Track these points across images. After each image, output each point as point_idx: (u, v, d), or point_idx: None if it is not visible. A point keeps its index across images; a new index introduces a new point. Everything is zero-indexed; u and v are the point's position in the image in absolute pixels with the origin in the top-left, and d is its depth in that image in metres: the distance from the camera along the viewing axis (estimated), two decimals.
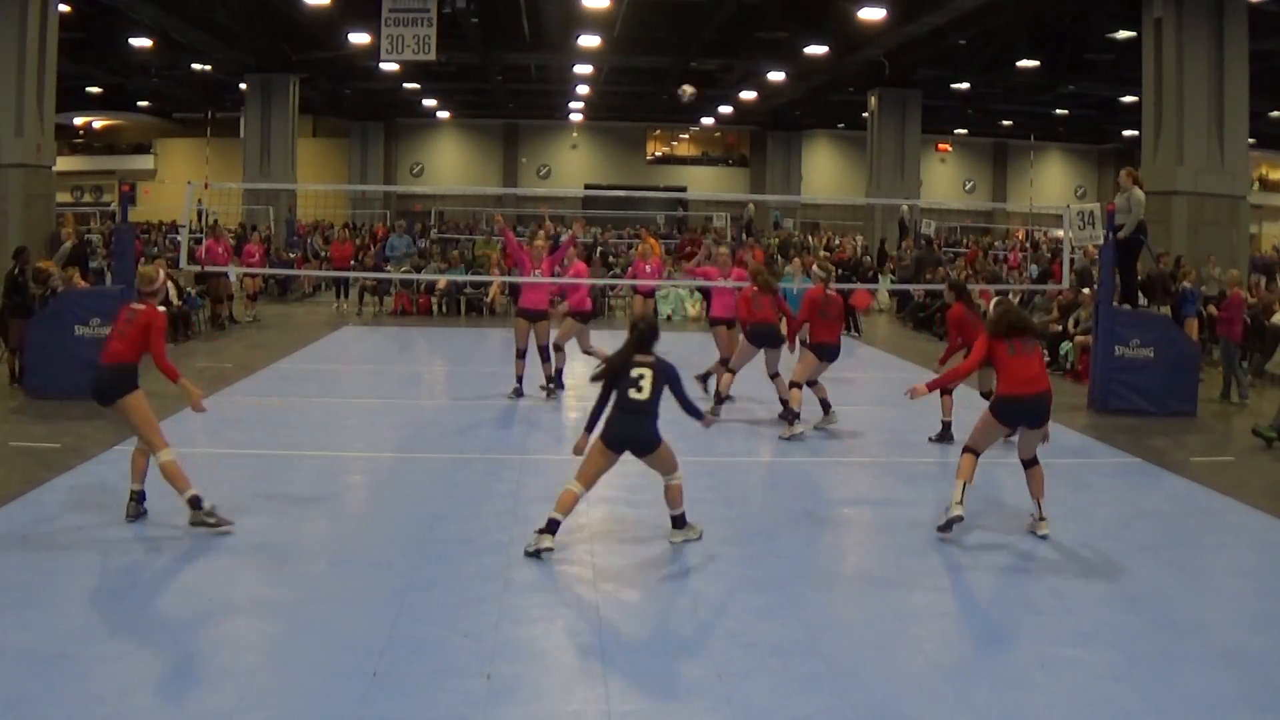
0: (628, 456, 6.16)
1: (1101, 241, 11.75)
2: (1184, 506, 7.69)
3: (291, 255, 24.04)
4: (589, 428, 6.11)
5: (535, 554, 5.91)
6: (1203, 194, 16.10)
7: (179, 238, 17.03)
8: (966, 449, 6.86)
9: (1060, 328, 14.26)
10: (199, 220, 20.04)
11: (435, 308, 19.49)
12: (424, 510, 6.96)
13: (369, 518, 6.92)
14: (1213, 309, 13.92)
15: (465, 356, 14.40)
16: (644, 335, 6.08)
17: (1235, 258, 16.18)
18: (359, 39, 21.64)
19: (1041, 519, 6.77)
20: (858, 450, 9.24)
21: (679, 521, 6.28)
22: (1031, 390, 6.74)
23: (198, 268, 15.12)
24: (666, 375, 6.04)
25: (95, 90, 33.93)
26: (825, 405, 9.86)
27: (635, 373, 5.98)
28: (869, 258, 23.56)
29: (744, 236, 27.28)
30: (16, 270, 12.07)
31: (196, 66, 28.96)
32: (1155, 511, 7.51)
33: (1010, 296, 16.63)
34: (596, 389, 6.15)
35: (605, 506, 7.21)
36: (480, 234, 25.92)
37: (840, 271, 20.98)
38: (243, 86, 28.57)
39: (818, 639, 4.99)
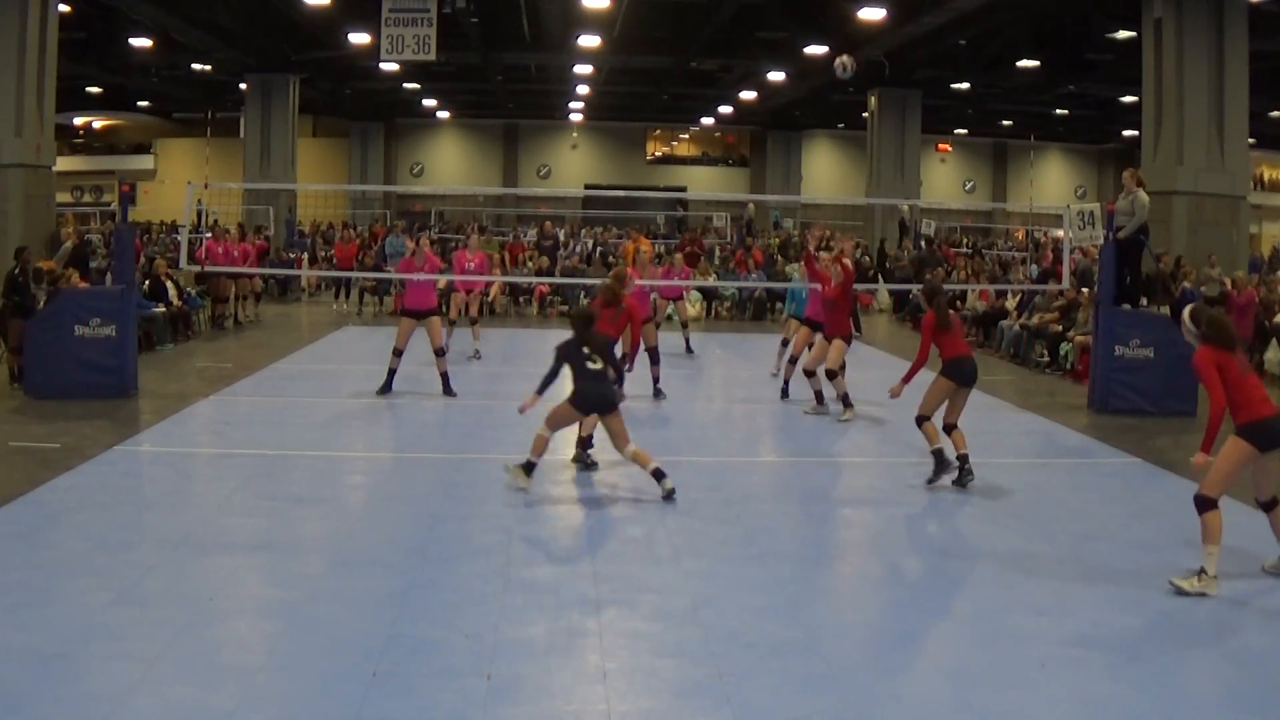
0: None
1: (1101, 241, 11.75)
2: (1184, 506, 7.62)
3: (291, 255, 24.04)
4: (539, 391, 7.36)
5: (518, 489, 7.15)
6: (1203, 194, 16.09)
7: (179, 237, 17.03)
8: (1209, 503, 5.83)
9: (1060, 328, 14.27)
10: (199, 220, 20.01)
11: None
12: (424, 510, 6.96)
13: (369, 518, 6.92)
14: (1244, 299, 13.81)
15: (465, 356, 14.39)
16: (583, 322, 7.39)
17: (1235, 258, 16.19)
18: (359, 39, 21.63)
19: None
20: (858, 450, 9.23)
21: (659, 474, 7.09)
22: (1275, 410, 5.88)
23: (198, 268, 15.14)
24: (610, 348, 7.37)
25: (95, 90, 33.93)
26: (819, 396, 10.59)
27: (588, 350, 7.17)
28: (868, 258, 23.55)
29: (744, 236, 27.27)
30: (17, 270, 12.08)
31: (196, 66, 28.96)
32: (1155, 511, 7.51)
33: (1010, 296, 16.71)
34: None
35: (604, 506, 7.21)
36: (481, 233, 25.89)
37: None
38: (243, 86, 28.57)
39: (818, 639, 4.99)
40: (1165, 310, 13.27)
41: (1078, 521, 7.13)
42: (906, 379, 8.01)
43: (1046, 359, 14.24)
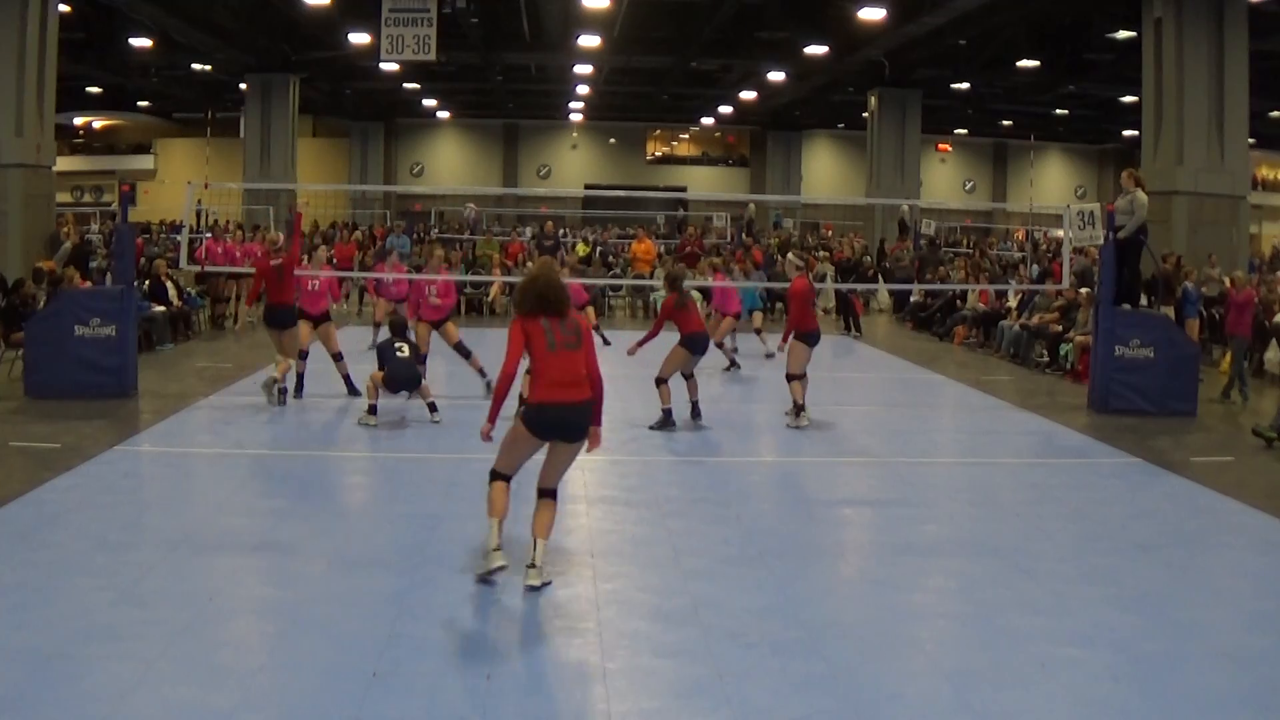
0: None
1: (1101, 241, 11.75)
2: (1184, 506, 7.69)
3: None
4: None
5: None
6: (1203, 194, 16.09)
7: (179, 237, 17.03)
8: (494, 474, 5.67)
9: (1060, 328, 14.27)
10: (199, 220, 20.02)
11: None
12: (424, 510, 6.95)
13: (369, 518, 6.91)
14: (1243, 297, 13.71)
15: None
16: (398, 325, 9.93)
17: (1235, 258, 16.18)
18: (359, 39, 21.63)
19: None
20: (858, 450, 9.24)
21: (373, 410, 9.55)
22: (570, 398, 5.45)
23: (198, 268, 15.14)
24: (416, 349, 9.91)
25: (95, 90, 33.92)
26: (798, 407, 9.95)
27: (397, 345, 9.59)
28: (869, 258, 23.56)
29: (744, 236, 27.28)
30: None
31: (196, 66, 28.96)
32: (1155, 511, 7.51)
33: (1011, 295, 16.71)
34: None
35: (604, 506, 7.21)
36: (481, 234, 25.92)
37: (837, 274, 21.08)
38: (243, 86, 28.57)
39: (818, 639, 4.99)
40: (1169, 310, 13.28)
41: (1078, 521, 7.13)
42: (642, 343, 9.93)
43: (1046, 359, 14.23)
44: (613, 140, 42.26)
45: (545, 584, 5.46)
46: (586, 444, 5.63)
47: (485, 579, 5.48)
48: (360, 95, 35.74)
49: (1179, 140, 15.94)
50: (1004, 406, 11.53)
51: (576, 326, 5.53)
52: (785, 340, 10.11)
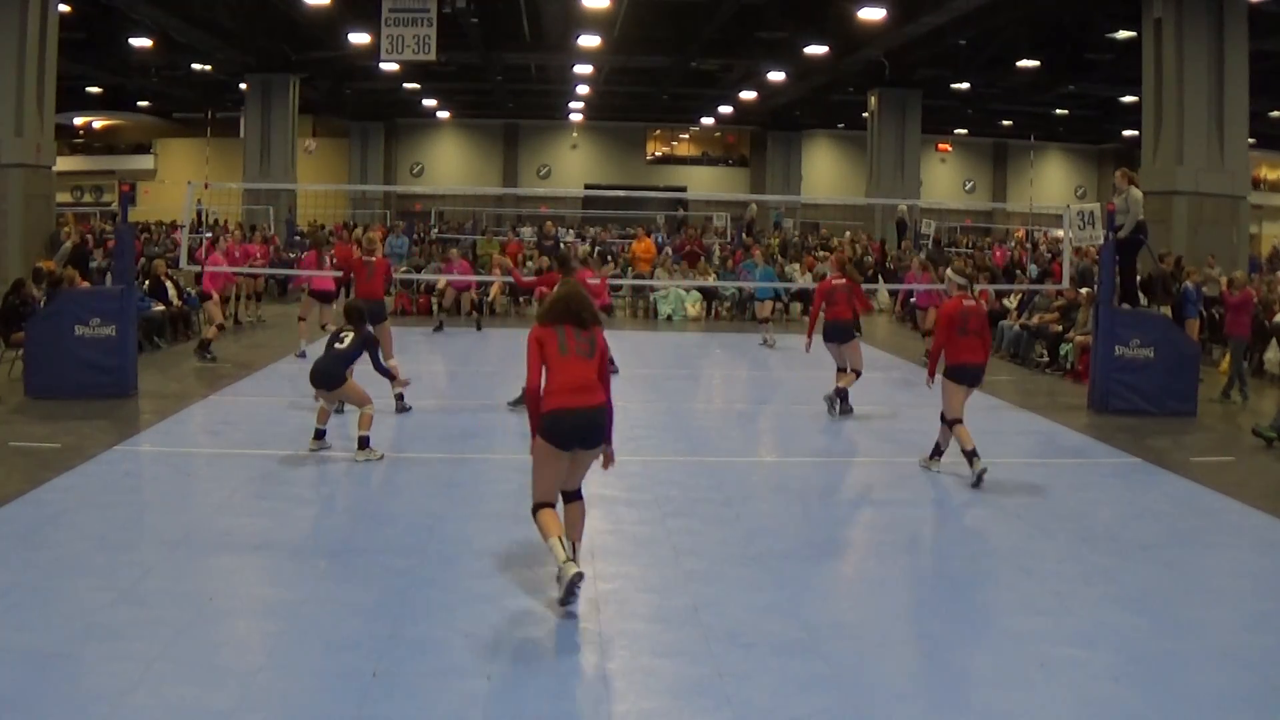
0: None
1: (1101, 241, 11.75)
2: (1184, 506, 7.69)
3: (292, 255, 24.02)
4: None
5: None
6: (1203, 194, 16.09)
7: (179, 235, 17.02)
8: (537, 505, 5.33)
9: (1060, 328, 14.27)
10: (199, 220, 19.99)
11: (435, 308, 19.47)
12: (424, 510, 6.95)
13: (369, 518, 6.91)
14: (1240, 298, 13.68)
15: (465, 357, 14.41)
16: (352, 312, 8.60)
17: (1235, 258, 16.18)
18: (359, 39, 21.65)
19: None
20: (858, 450, 9.23)
21: (363, 443, 8.15)
22: (584, 402, 5.29)
23: (198, 268, 15.12)
24: (366, 342, 8.44)
25: (95, 90, 33.96)
26: (937, 450, 8.41)
27: (343, 334, 8.37)
28: (870, 257, 23.55)
29: (744, 236, 27.29)
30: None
31: (196, 66, 29.00)
32: (1155, 511, 7.51)
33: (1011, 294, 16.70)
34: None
35: (604, 506, 7.20)
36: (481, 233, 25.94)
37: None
38: (243, 86, 28.59)
39: (818, 639, 4.99)
40: (1166, 310, 13.28)
41: (1078, 521, 7.13)
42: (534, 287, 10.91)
43: (1046, 359, 14.23)
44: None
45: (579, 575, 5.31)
46: (602, 458, 5.48)
47: (567, 598, 5.09)
48: (360, 95, 35.76)
49: (1179, 140, 15.94)
50: (1004, 406, 11.53)
51: (593, 339, 5.43)
52: (931, 375, 8.54)
